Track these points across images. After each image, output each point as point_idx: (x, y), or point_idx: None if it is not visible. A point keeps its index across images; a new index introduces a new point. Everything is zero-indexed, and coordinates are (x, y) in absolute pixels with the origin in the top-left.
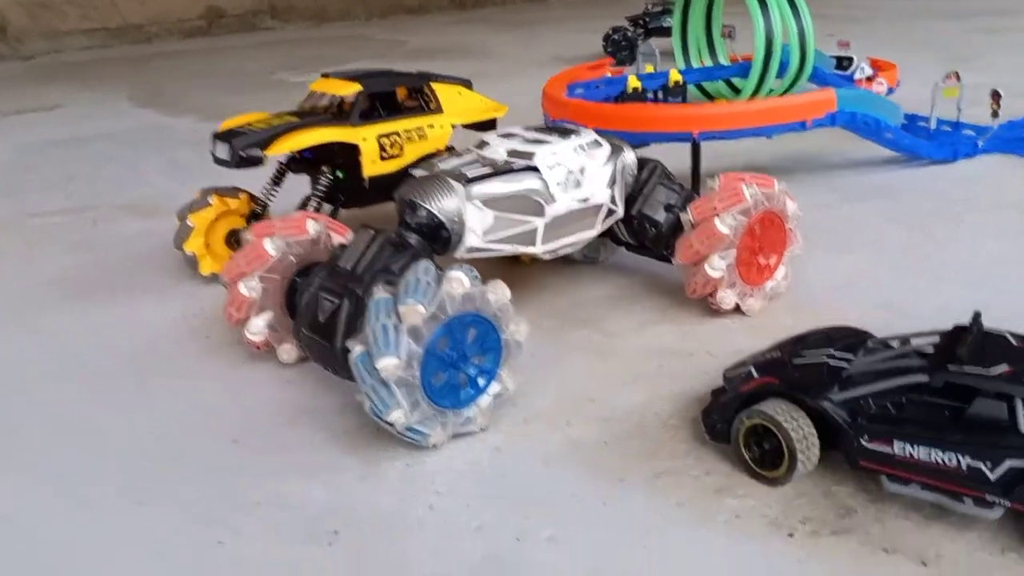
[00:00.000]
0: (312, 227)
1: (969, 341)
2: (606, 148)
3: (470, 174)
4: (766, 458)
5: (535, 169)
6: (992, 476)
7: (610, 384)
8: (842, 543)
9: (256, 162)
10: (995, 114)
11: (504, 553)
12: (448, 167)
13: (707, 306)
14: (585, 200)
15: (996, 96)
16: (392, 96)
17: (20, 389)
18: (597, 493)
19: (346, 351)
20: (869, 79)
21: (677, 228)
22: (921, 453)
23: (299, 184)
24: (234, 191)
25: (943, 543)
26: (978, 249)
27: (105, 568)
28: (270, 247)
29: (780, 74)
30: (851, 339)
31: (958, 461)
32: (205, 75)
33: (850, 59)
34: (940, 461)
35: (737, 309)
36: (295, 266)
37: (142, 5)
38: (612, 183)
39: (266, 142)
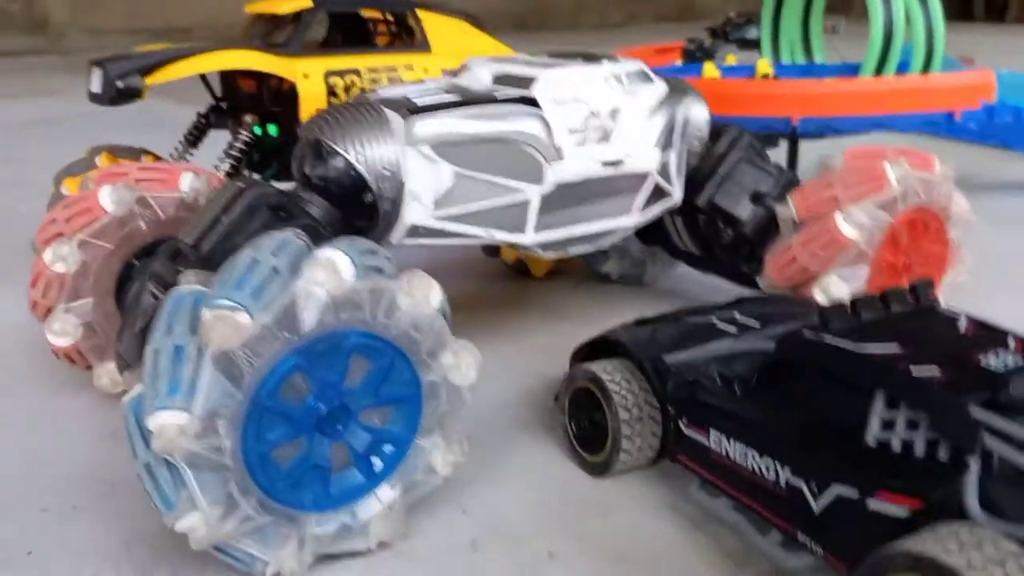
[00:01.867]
0: (188, 182)
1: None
2: (659, 87)
3: (420, 103)
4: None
5: (534, 103)
6: (815, 505)
7: (638, 483)
8: None
9: (134, 95)
10: None
11: None
12: (389, 95)
13: None
14: (616, 163)
15: None
16: (360, 24)
17: None
18: None
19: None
20: None
21: (770, 230)
22: (737, 453)
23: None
24: (135, 151)
25: None
26: None
27: None
28: (107, 198)
29: None
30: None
31: (777, 473)
32: None
33: None
34: (756, 469)
35: None
36: (143, 238)
37: (188, 8)
38: (665, 144)
39: (150, 68)
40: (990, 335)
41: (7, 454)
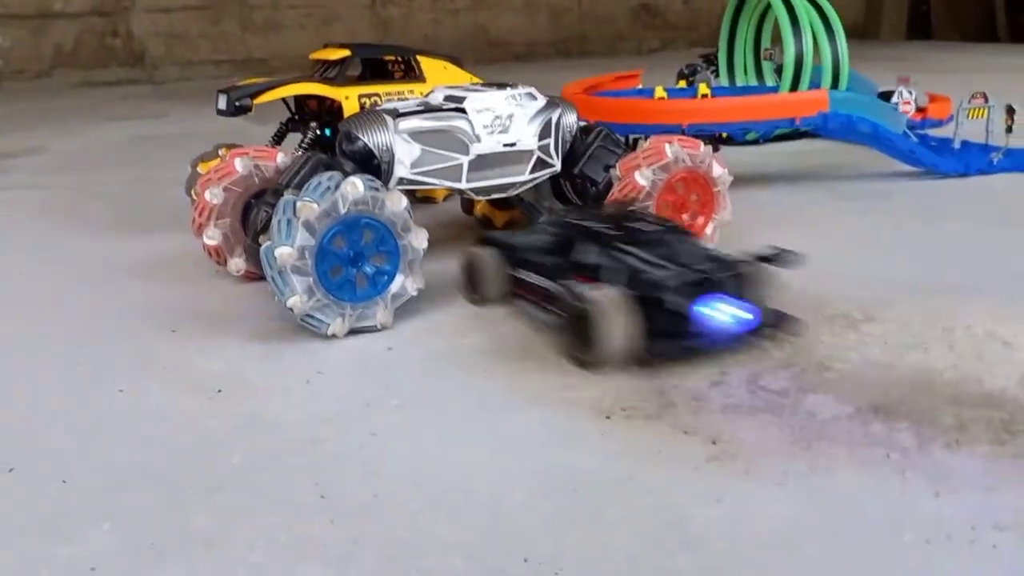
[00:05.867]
0: (280, 158)
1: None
2: (540, 101)
3: (401, 110)
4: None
5: (463, 111)
6: (557, 291)
7: (521, 314)
8: (649, 425)
9: (246, 110)
10: (1009, 129)
11: (349, 412)
12: (387, 107)
13: None
14: (511, 144)
15: (1011, 112)
16: (381, 64)
17: (18, 277)
18: (459, 380)
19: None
20: (920, 110)
21: (611, 186)
22: (535, 280)
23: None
24: (241, 146)
25: (741, 430)
26: (942, 239)
27: (26, 404)
28: (239, 164)
29: None
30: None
31: (548, 286)
32: None
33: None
34: (542, 287)
35: None
36: (256, 187)
37: (267, 41)
38: (543, 135)
39: (256, 93)
40: (640, 216)
41: (180, 301)
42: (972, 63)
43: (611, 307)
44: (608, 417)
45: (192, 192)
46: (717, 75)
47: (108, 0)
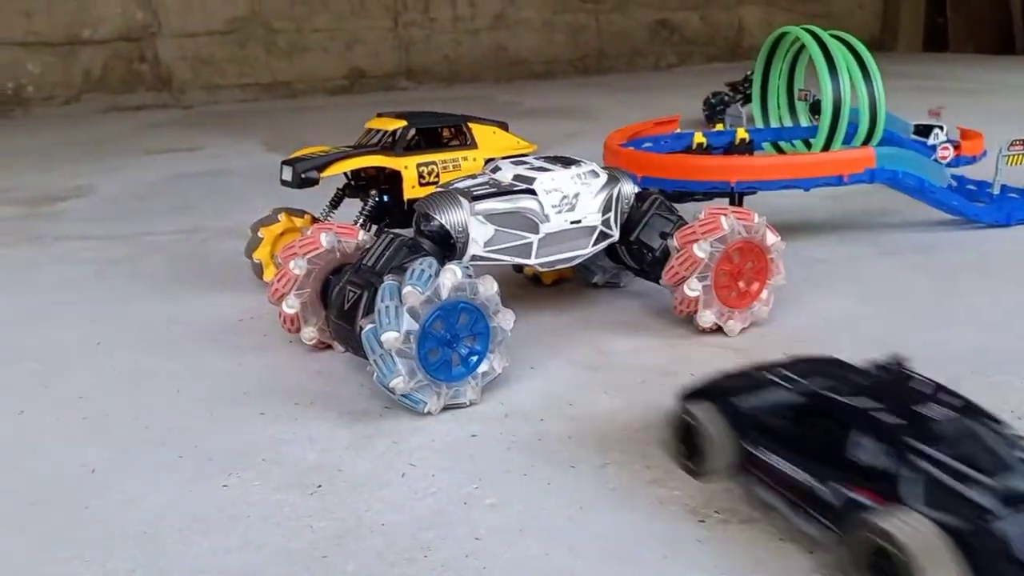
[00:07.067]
0: (361, 235)
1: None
2: (602, 178)
3: (476, 192)
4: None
5: (533, 192)
6: (835, 502)
7: (591, 392)
8: (745, 531)
9: (313, 183)
10: None
11: (449, 511)
12: (460, 186)
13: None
14: (577, 222)
15: None
16: (435, 132)
17: (92, 346)
18: (545, 474)
19: (360, 329)
20: (957, 147)
21: (668, 254)
22: (786, 468)
23: (353, 209)
24: (300, 212)
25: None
26: (998, 300)
27: (126, 490)
28: (324, 239)
29: (849, 138)
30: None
31: (799, 474)
32: (336, 126)
33: (931, 127)
34: (789, 471)
35: (720, 330)
36: (336, 262)
37: (292, 65)
38: (606, 209)
39: (322, 166)
40: (930, 392)
41: (260, 376)
42: (992, 81)
43: (934, 554)
44: (702, 521)
45: (252, 255)
46: (744, 104)
47: (135, 26)
